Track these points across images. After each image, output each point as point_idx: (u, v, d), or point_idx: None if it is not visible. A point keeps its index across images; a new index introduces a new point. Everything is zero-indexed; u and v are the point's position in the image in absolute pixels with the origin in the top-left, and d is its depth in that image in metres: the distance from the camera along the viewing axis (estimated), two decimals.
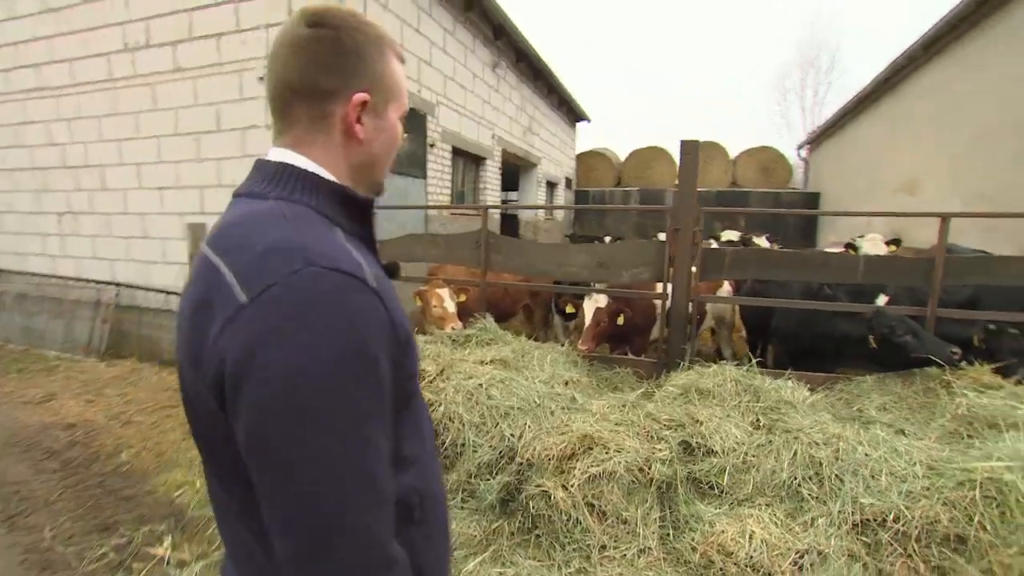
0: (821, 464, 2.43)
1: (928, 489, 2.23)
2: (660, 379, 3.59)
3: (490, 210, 7.80)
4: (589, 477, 2.39)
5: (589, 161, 14.86)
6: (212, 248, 0.64)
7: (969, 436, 2.56)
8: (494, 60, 7.40)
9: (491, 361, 3.32)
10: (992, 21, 5.80)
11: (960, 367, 3.00)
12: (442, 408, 2.69)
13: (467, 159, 7.28)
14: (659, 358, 3.78)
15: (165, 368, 5.25)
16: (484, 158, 7.42)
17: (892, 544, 2.17)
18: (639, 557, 2.29)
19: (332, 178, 0.71)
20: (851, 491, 2.31)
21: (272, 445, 0.55)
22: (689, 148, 3.49)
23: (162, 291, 5.36)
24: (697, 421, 2.74)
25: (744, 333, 4.91)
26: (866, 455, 2.43)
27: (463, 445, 2.63)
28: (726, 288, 4.37)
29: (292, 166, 0.70)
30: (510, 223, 9.91)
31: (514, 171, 9.86)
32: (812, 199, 12.60)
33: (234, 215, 0.67)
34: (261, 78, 4.65)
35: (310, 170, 0.70)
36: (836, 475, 2.38)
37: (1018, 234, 4.77)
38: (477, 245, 3.95)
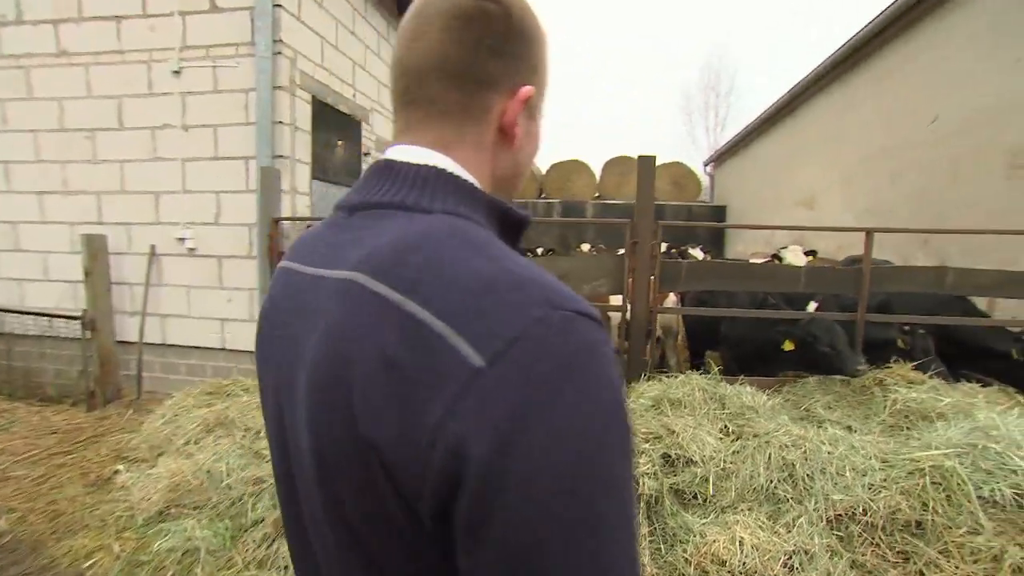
0: (794, 465, 2.56)
1: (885, 480, 2.42)
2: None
3: None
4: None
5: None
6: (382, 280, 0.46)
7: (907, 428, 2.82)
8: None
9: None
10: (861, 69, 6.71)
11: (862, 372, 3.33)
12: None
13: None
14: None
15: (49, 406, 4.45)
16: None
17: (863, 535, 2.32)
18: None
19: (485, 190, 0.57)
20: (822, 489, 2.46)
21: (551, 549, 0.40)
22: (646, 163, 3.59)
23: (42, 314, 4.55)
24: (673, 432, 2.78)
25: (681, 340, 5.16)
26: (829, 453, 2.60)
27: None
28: (671, 299, 4.55)
29: (446, 171, 0.54)
30: None
31: None
32: (719, 212, 13.68)
33: (396, 235, 0.49)
34: (176, 72, 4.14)
35: (467, 179, 0.55)
36: (807, 475, 2.52)
37: (901, 247, 5.43)
38: None
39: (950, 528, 2.27)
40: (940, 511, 2.31)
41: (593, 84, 58.63)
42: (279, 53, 4.00)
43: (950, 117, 4.99)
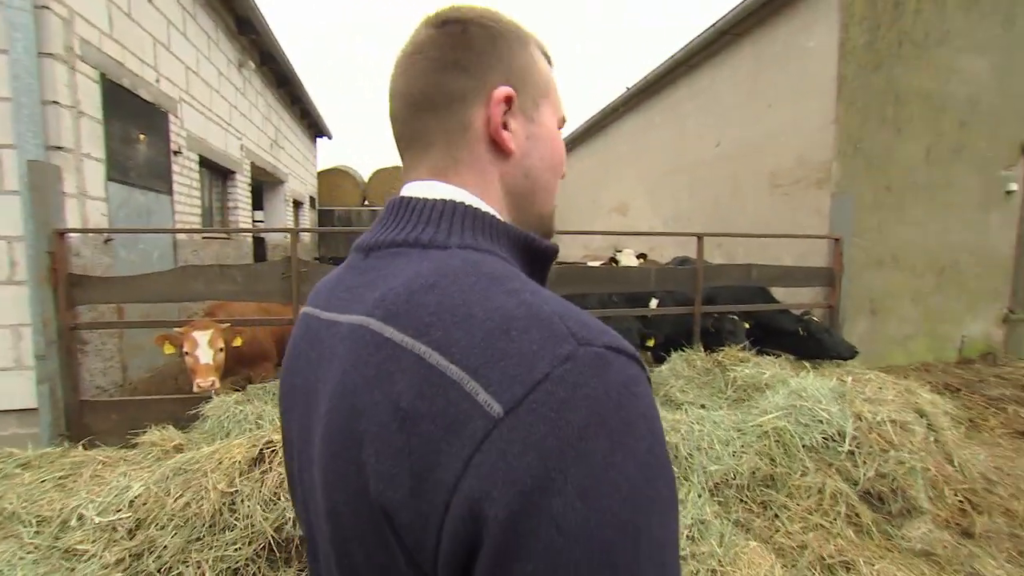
0: (677, 447, 2.84)
1: (744, 447, 2.84)
2: None
3: (243, 234, 6.62)
4: None
5: (332, 179, 14.10)
6: (394, 324, 0.42)
7: (746, 400, 3.35)
8: (240, 58, 6.30)
9: None
10: (659, 97, 7.95)
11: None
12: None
13: (214, 172, 5.98)
14: None
15: None
16: (233, 171, 6.20)
17: (736, 496, 2.69)
18: None
19: (503, 219, 0.54)
20: (701, 464, 2.77)
21: None
22: None
23: None
24: None
25: None
26: (699, 431, 2.94)
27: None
28: None
29: (463, 204, 0.51)
30: (258, 247, 8.55)
31: (257, 188, 8.58)
32: None
33: (409, 274, 0.46)
34: None
35: (486, 210, 0.52)
36: (688, 454, 2.81)
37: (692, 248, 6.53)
38: (285, 276, 3.28)
39: (790, 474, 2.77)
40: (782, 463, 2.80)
41: None
42: (44, 7, 3.05)
43: (729, 143, 6.18)
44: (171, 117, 4.47)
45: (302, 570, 2.06)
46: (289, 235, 9.75)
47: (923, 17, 4.66)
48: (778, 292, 4.80)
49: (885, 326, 4.87)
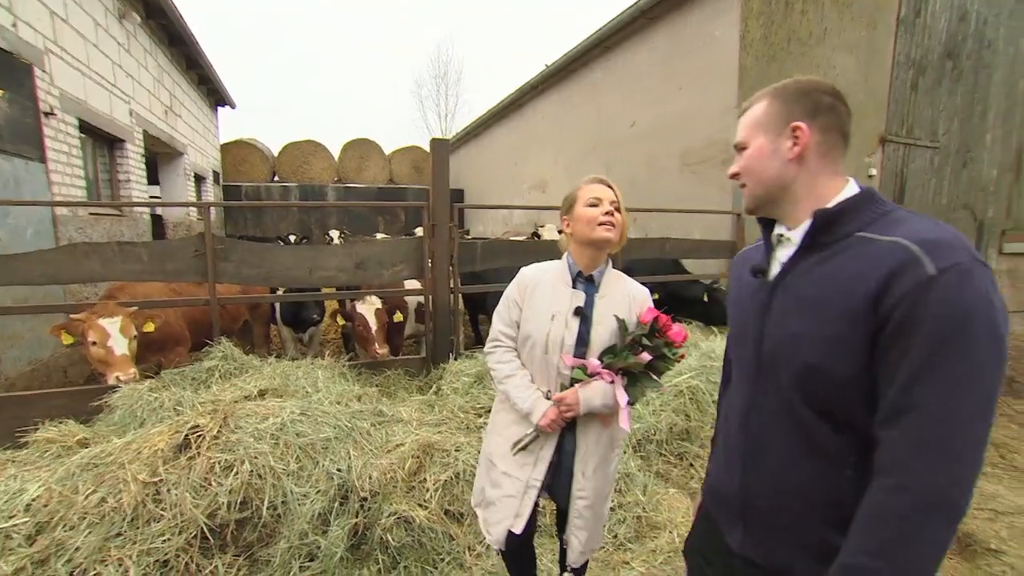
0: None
1: (662, 406, 3.10)
2: (432, 374, 3.67)
3: (138, 210, 5.97)
4: (443, 485, 2.31)
5: (238, 153, 12.98)
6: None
7: None
8: (120, 8, 5.56)
9: (263, 393, 2.70)
10: (576, 77, 8.12)
11: None
12: (246, 465, 2.05)
13: (99, 140, 5.30)
14: (426, 353, 3.84)
15: None
16: (122, 140, 5.54)
17: (656, 451, 2.94)
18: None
19: None
20: None
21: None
22: (440, 147, 3.62)
23: None
24: None
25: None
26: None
27: (284, 502, 2.09)
28: None
29: None
30: (156, 226, 7.75)
31: (152, 160, 7.74)
32: (458, 194, 14.66)
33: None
34: None
35: None
36: None
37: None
38: (199, 254, 3.04)
39: (702, 427, 3.07)
40: (695, 418, 3.09)
41: (322, 62, 54.91)
42: None
43: (644, 123, 6.48)
44: (37, 71, 3.90)
45: (238, 555, 2.00)
46: (195, 212, 8.91)
47: (807, 17, 5.13)
48: (689, 264, 5.19)
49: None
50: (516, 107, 10.46)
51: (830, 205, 0.91)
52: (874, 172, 5.76)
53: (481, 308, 5.57)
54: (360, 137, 14.34)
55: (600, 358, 1.46)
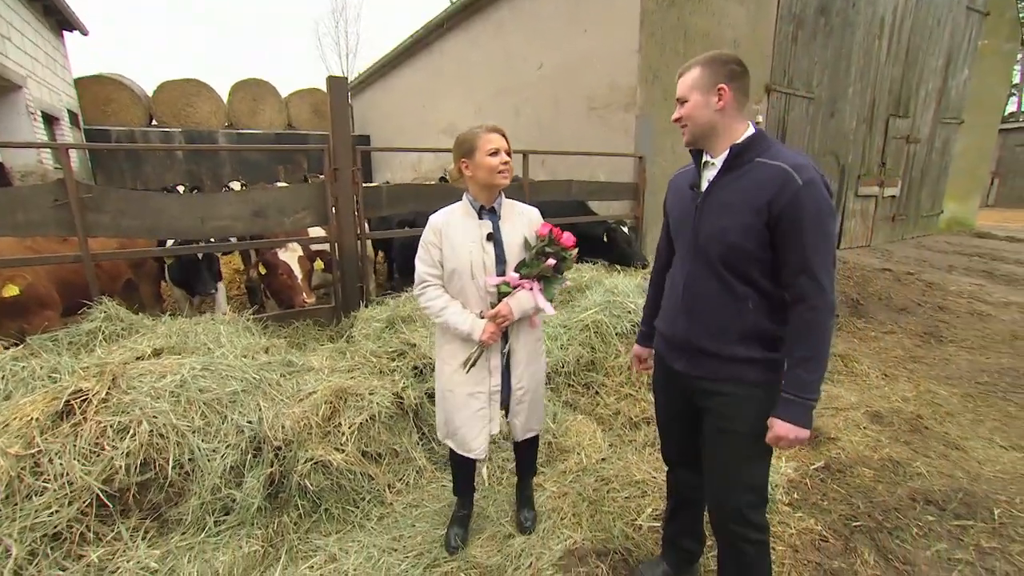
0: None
1: (569, 340, 3.31)
2: (343, 322, 3.61)
3: None
4: (358, 427, 2.34)
5: (100, 91, 11.10)
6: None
7: (571, 300, 3.81)
8: None
9: (158, 353, 2.53)
10: (483, 15, 7.77)
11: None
12: (144, 426, 1.94)
13: None
14: (336, 302, 3.75)
15: None
16: None
17: (564, 382, 3.16)
18: (420, 476, 2.49)
19: None
20: None
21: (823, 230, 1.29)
22: (337, 85, 3.40)
23: None
24: (414, 345, 3.01)
25: None
26: None
27: (191, 459, 2.02)
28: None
29: None
30: None
31: None
32: (363, 140, 13.86)
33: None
34: None
35: None
36: None
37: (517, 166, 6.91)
38: (60, 203, 2.68)
39: (606, 358, 3.32)
40: (600, 349, 3.33)
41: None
42: None
43: (550, 65, 6.45)
44: None
45: (144, 517, 1.93)
46: (51, 158, 7.66)
47: None
48: (595, 205, 5.40)
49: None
50: (423, 46, 9.91)
51: (739, 141, 1.38)
52: (760, 119, 6.23)
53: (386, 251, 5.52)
54: (251, 78, 12.93)
55: (517, 271, 1.78)
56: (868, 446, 2.92)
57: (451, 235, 1.78)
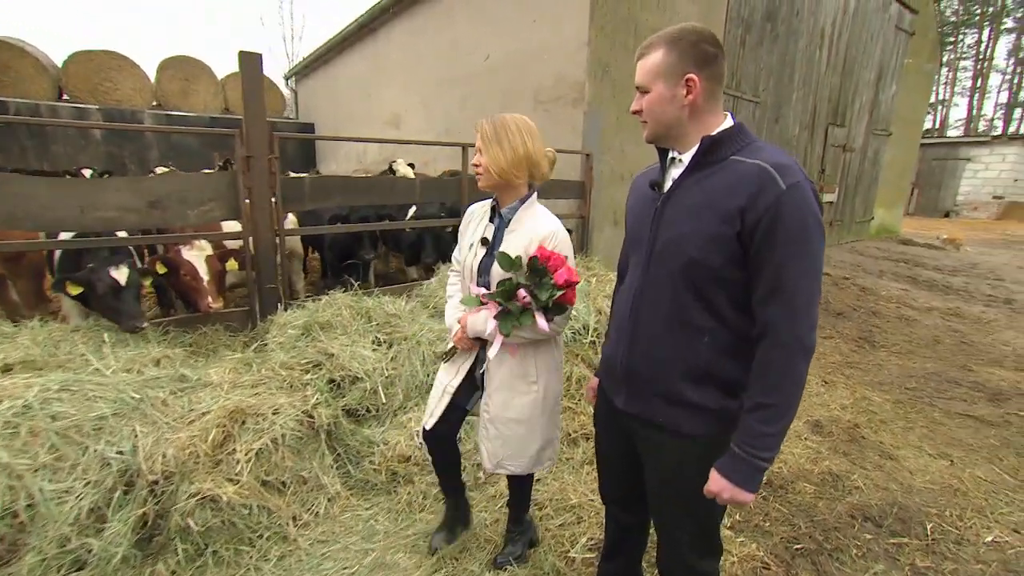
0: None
1: None
2: (259, 327, 3.25)
3: None
4: (256, 454, 2.03)
5: None
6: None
7: None
8: None
9: (8, 369, 2.12)
10: (427, 3, 7.41)
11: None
12: None
13: None
14: (250, 304, 3.37)
15: None
16: None
17: None
18: (332, 505, 2.21)
19: None
20: None
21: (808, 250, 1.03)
22: (250, 62, 3.02)
23: None
24: (332, 355, 2.71)
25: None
26: None
27: (31, 506, 1.66)
28: (291, 219, 4.21)
29: None
30: None
31: None
32: (308, 128, 13.14)
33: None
34: None
35: None
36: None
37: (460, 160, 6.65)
38: None
39: None
40: None
41: None
42: None
43: (498, 57, 6.20)
44: None
45: None
46: None
47: None
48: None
49: (623, 233, 5.74)
50: (368, 31, 9.40)
51: (713, 133, 1.13)
52: None
53: (317, 248, 5.13)
54: (182, 55, 11.94)
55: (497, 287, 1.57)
56: (809, 458, 2.86)
57: (468, 228, 1.75)
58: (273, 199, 3.28)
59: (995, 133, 24.93)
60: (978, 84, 32.64)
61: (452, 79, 7.16)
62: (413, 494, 2.33)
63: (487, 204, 1.73)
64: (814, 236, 1.02)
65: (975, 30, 31.62)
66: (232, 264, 3.25)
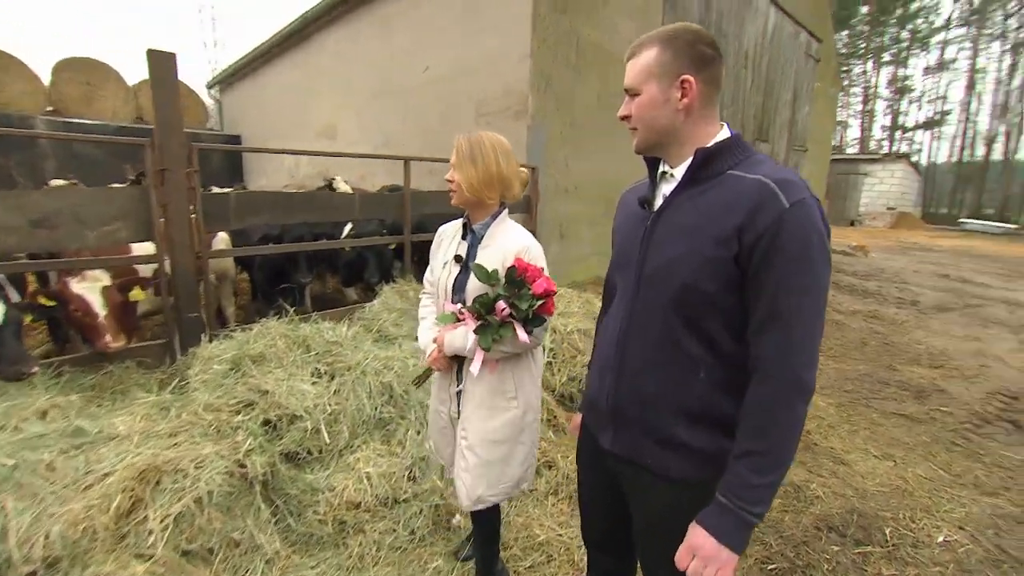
0: (391, 387, 2.68)
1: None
2: (179, 362, 2.87)
3: None
4: (175, 519, 1.72)
5: None
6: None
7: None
8: None
9: None
10: (367, 9, 7.15)
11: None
12: None
13: None
14: (167, 336, 2.97)
15: None
16: None
17: None
18: (270, 568, 1.91)
19: None
20: (416, 399, 2.69)
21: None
22: (162, 62, 2.68)
23: None
24: (266, 392, 2.41)
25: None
26: (414, 365, 2.85)
27: None
28: (221, 238, 3.79)
29: None
30: None
31: None
32: (234, 140, 12.30)
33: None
34: None
35: None
36: (404, 392, 2.69)
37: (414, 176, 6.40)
38: None
39: None
40: None
41: None
42: None
43: (438, 68, 6.03)
44: None
45: None
46: None
47: None
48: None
49: (570, 247, 5.71)
50: (301, 38, 8.92)
51: (708, 145, 1.03)
52: None
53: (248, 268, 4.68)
54: (82, 57, 10.87)
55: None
56: None
57: (440, 247, 1.72)
58: (193, 216, 2.92)
59: (884, 152, 28.14)
60: (867, 107, 37.19)
61: (390, 90, 6.91)
62: (365, 545, 2.08)
63: (458, 223, 1.71)
64: (818, 260, 0.91)
65: (861, 61, 36.00)
66: (138, 294, 2.83)
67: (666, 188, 1.10)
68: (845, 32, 33.84)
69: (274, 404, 2.35)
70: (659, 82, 1.02)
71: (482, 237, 1.61)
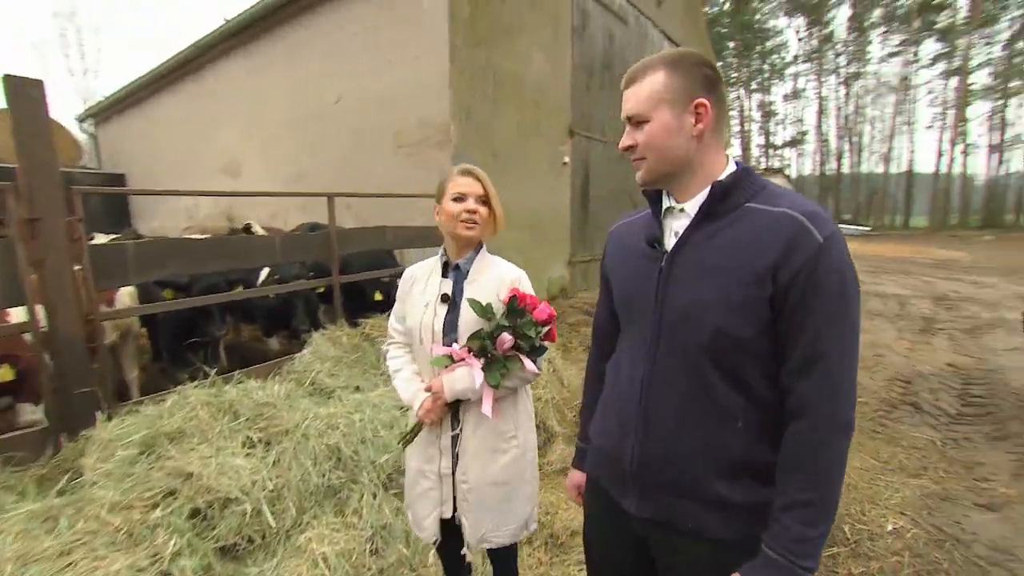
0: (339, 448, 2.41)
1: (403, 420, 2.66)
2: (66, 450, 2.38)
3: None
4: None
5: None
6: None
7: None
8: None
9: None
10: (272, 37, 6.75)
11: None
12: None
13: None
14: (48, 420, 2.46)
15: None
16: None
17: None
18: None
19: None
20: (368, 458, 2.44)
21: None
22: (20, 89, 2.27)
23: None
24: (189, 475, 2.05)
25: None
26: (361, 421, 2.59)
27: None
28: (124, 293, 3.27)
29: None
30: None
31: None
32: (116, 179, 11.03)
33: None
34: None
35: None
36: (353, 452, 2.43)
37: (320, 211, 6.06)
38: None
39: None
40: None
41: None
42: None
43: (352, 98, 5.80)
44: None
45: None
46: None
47: (508, 7, 5.33)
48: (415, 254, 4.85)
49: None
50: (194, 68, 8.23)
51: (722, 177, 0.96)
52: (567, 160, 6.50)
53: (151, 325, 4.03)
54: None
55: (469, 342, 1.45)
56: None
57: (414, 290, 1.60)
58: (79, 271, 2.47)
59: (764, 167, 32.55)
60: (744, 129, 44.13)
61: (298, 121, 6.55)
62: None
63: (429, 263, 1.63)
64: (853, 296, 0.88)
65: (734, 88, 42.82)
66: (5, 373, 2.34)
67: (676, 224, 1.01)
68: (720, 64, 39.31)
69: (202, 489, 1.99)
70: (671, 108, 0.94)
71: (467, 272, 1.54)
